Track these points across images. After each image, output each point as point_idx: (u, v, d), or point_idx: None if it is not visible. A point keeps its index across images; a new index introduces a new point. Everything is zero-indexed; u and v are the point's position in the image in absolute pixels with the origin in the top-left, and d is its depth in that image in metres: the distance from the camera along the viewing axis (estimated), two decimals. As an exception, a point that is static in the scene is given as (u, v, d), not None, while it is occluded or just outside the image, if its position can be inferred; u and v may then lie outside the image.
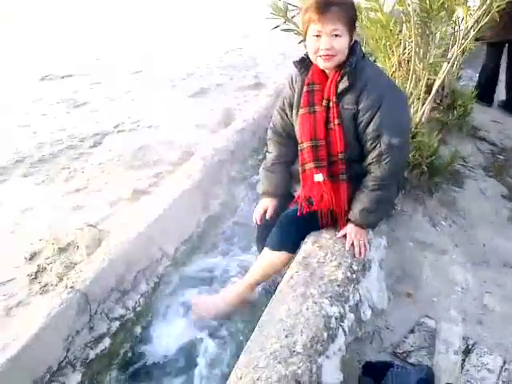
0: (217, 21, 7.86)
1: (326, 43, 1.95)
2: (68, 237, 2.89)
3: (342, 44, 1.98)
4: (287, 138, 2.37)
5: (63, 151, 3.96)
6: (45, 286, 2.59)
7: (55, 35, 7.30)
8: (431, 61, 2.87)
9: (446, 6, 2.57)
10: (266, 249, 2.24)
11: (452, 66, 2.96)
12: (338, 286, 1.95)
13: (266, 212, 2.40)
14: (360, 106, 2.03)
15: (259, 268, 2.26)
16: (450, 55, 2.91)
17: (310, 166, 2.15)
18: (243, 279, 2.31)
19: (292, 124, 2.31)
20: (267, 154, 2.46)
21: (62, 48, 6.64)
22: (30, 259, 2.77)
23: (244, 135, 3.33)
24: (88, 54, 6.34)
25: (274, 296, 1.92)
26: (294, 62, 2.22)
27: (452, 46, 2.93)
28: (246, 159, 3.28)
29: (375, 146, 2.05)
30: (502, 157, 3.52)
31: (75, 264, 2.66)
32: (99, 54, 6.38)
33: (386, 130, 2.01)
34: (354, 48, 2.05)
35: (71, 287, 2.06)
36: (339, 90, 2.05)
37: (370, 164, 2.08)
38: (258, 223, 2.42)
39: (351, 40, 2.03)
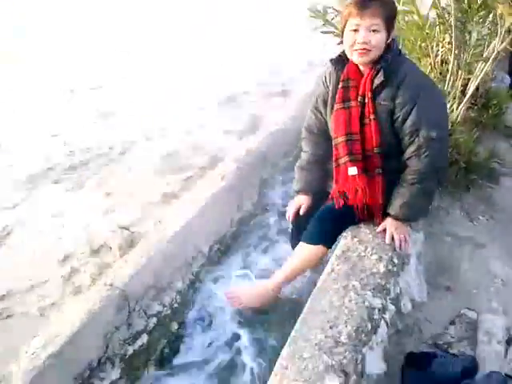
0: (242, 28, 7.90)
1: (363, 37, 1.95)
2: (100, 239, 2.91)
3: (378, 39, 1.97)
4: (321, 137, 2.37)
5: (92, 158, 3.99)
6: (78, 286, 2.60)
7: (79, 49, 7.42)
8: (468, 60, 2.84)
9: (485, 4, 2.54)
10: (301, 243, 2.23)
11: (488, 66, 2.91)
12: (380, 278, 1.92)
13: (299, 209, 2.39)
14: (397, 102, 2.02)
15: (295, 261, 2.24)
16: (486, 54, 2.87)
17: (344, 159, 2.14)
18: (279, 272, 2.28)
19: (326, 122, 2.30)
20: (302, 153, 2.46)
21: (90, 61, 6.75)
22: (63, 261, 2.79)
23: (275, 138, 3.33)
24: (115, 67, 6.42)
25: (315, 288, 1.89)
26: (330, 60, 2.22)
27: (488, 46, 2.89)
28: (277, 162, 3.26)
29: (413, 140, 2.03)
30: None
31: (108, 265, 2.69)
32: (126, 66, 6.47)
33: (424, 123, 2.00)
34: (390, 45, 2.04)
35: (110, 285, 2.06)
36: (374, 85, 2.05)
37: (409, 158, 2.06)
38: (292, 220, 2.41)
39: (388, 37, 2.02)
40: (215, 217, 2.64)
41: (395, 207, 2.10)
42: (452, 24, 2.91)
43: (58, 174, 3.78)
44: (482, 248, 2.47)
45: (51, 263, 2.77)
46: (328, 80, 2.25)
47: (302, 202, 2.40)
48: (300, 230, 2.37)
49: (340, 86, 2.16)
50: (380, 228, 2.15)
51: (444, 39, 3.19)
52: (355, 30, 1.97)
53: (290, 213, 2.42)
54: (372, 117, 2.05)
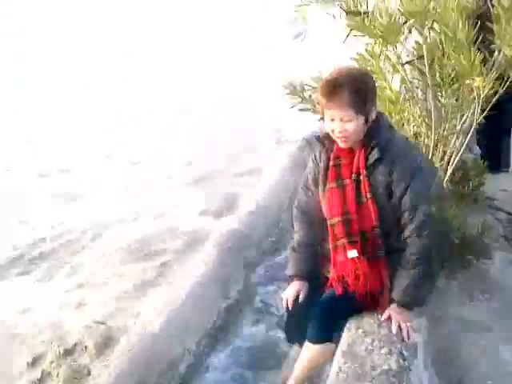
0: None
1: (338, 127, 1.90)
2: (74, 336, 2.65)
3: (354, 127, 1.90)
4: (314, 217, 2.24)
5: (63, 245, 3.76)
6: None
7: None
8: (445, 133, 2.83)
9: (458, 78, 2.55)
10: (308, 343, 2.04)
11: (465, 138, 2.91)
12: (393, 376, 1.74)
13: (297, 297, 2.22)
14: (394, 176, 1.93)
15: (306, 364, 2.06)
16: (459, 127, 2.87)
17: (342, 242, 2.01)
18: (292, 377, 2.08)
19: (317, 201, 2.19)
20: (294, 233, 2.31)
21: (56, 143, 6.59)
22: (32, 364, 2.51)
23: (257, 217, 3.20)
24: (83, 150, 6.29)
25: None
26: (317, 138, 2.14)
27: (460, 118, 2.90)
28: (260, 243, 3.12)
29: (413, 218, 1.92)
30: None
31: (83, 367, 2.43)
32: (93, 148, 6.35)
33: (423, 199, 1.92)
34: (378, 119, 1.99)
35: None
36: (369, 162, 1.96)
37: (408, 237, 1.94)
38: (290, 308, 2.22)
39: (367, 118, 1.95)
40: (201, 308, 2.44)
41: (398, 292, 1.96)
42: (420, 98, 2.94)
43: (26, 263, 3.53)
44: (488, 332, 2.34)
45: (18, 367, 2.50)
46: (318, 158, 2.16)
47: (298, 288, 2.23)
48: (296, 318, 2.19)
49: (331, 163, 2.06)
50: (384, 316, 1.99)
51: (416, 112, 3.20)
52: (331, 120, 1.91)
53: (287, 300, 2.24)
54: (369, 195, 1.95)
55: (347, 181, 2.01)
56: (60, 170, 5.47)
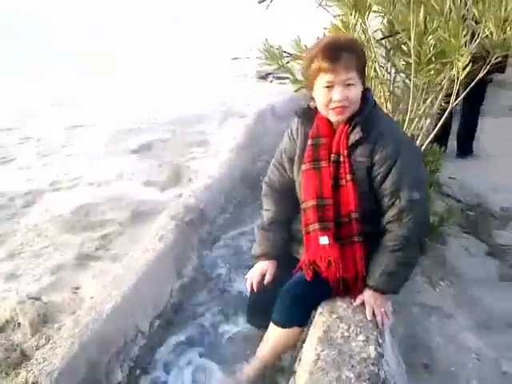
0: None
1: (339, 94, 1.74)
2: (6, 312, 2.36)
3: (356, 94, 1.78)
4: (285, 194, 2.10)
5: (-10, 212, 3.38)
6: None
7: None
8: (411, 116, 2.76)
9: (438, 56, 2.46)
10: (274, 326, 1.91)
11: (435, 121, 2.86)
12: (372, 364, 1.64)
13: (263, 277, 2.07)
14: (375, 159, 1.81)
15: (271, 348, 1.93)
16: (432, 109, 2.81)
17: (313, 227, 1.89)
18: (255, 361, 1.95)
19: (290, 179, 2.04)
20: (263, 211, 2.15)
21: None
22: (-44, 343, 2.20)
23: (211, 192, 3.01)
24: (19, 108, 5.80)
25: (302, 380, 1.57)
26: (296, 113, 1.99)
27: (434, 99, 2.83)
28: (214, 218, 2.93)
29: (394, 202, 1.81)
30: (471, 213, 3.48)
31: (17, 346, 2.16)
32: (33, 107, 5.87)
33: (405, 184, 1.80)
34: (366, 96, 1.85)
35: (34, 383, 1.57)
36: (350, 142, 1.83)
37: (389, 222, 1.83)
38: (255, 290, 2.07)
39: (363, 88, 1.83)
40: (154, 285, 2.23)
41: (375, 278, 1.86)
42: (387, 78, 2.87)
43: None
44: (450, 318, 2.33)
45: None
46: (295, 134, 2.00)
47: (265, 269, 2.08)
48: (260, 302, 2.05)
49: (309, 143, 1.91)
50: (358, 301, 1.89)
51: (381, 92, 3.13)
52: (328, 87, 1.75)
53: (252, 282, 2.08)
54: (349, 177, 1.82)
55: (324, 163, 1.87)
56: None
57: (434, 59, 2.49)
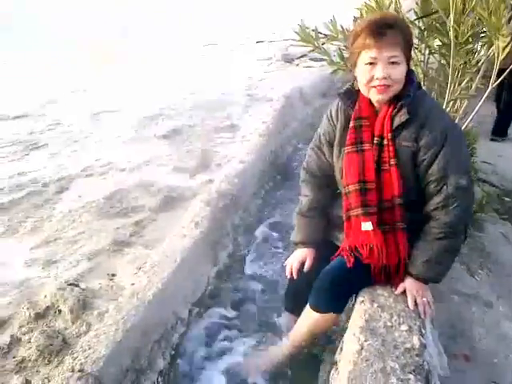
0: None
1: (382, 71, 1.70)
2: (46, 299, 2.39)
3: (400, 73, 1.73)
4: (324, 180, 2.07)
5: (24, 198, 3.42)
6: (22, 362, 2.07)
7: None
8: (453, 97, 2.70)
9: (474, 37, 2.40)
10: (310, 310, 1.90)
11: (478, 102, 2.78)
12: (417, 355, 1.62)
13: (303, 264, 2.06)
14: (421, 143, 1.76)
15: (305, 330, 1.94)
16: (471, 91, 2.74)
17: (356, 212, 1.85)
18: (288, 342, 1.97)
19: (329, 164, 2.01)
20: (302, 197, 2.13)
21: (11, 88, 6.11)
22: (-1, 328, 2.24)
23: (244, 177, 3.00)
24: (41, 94, 5.84)
25: (347, 371, 1.56)
26: (338, 94, 1.95)
27: (471, 80, 2.76)
28: (247, 205, 2.93)
29: (440, 189, 1.77)
30: (507, 199, 3.41)
31: (58, 333, 2.19)
32: (54, 93, 5.90)
33: (452, 169, 1.75)
34: (410, 77, 1.80)
35: (80, 371, 1.59)
36: (395, 124, 1.78)
37: (434, 209, 1.79)
38: (295, 277, 2.06)
39: (408, 68, 1.78)
40: (192, 272, 2.24)
41: (417, 265, 1.83)
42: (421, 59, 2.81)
43: (-18, 216, 3.19)
44: (490, 307, 2.29)
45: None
46: (335, 117, 1.97)
47: (305, 255, 2.07)
48: (299, 289, 2.05)
49: (351, 125, 1.87)
50: (399, 290, 1.87)
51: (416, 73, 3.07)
52: (371, 64, 1.71)
53: (292, 269, 2.08)
54: (393, 162, 1.79)
55: (367, 145, 1.83)
56: (17, 115, 5.02)
57: (471, 39, 2.42)
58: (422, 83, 2.94)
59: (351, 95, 1.90)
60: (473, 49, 2.58)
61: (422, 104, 1.80)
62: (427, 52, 2.96)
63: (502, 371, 2.00)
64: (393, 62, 1.70)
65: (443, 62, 2.74)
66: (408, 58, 1.77)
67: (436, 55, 2.93)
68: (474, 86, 2.74)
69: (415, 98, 1.78)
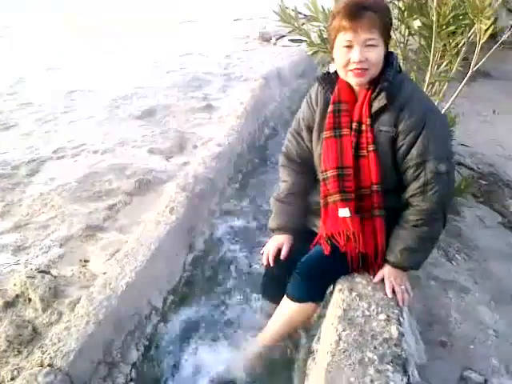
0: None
1: (358, 55, 1.64)
2: (16, 287, 2.31)
3: (377, 56, 1.67)
4: (303, 165, 2.02)
5: (-7, 180, 3.31)
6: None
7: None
8: (431, 80, 2.66)
9: (457, 19, 2.35)
10: (288, 301, 1.87)
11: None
12: (395, 345, 1.60)
13: (279, 251, 2.01)
14: (400, 128, 1.71)
15: (284, 321, 1.90)
16: (451, 74, 2.70)
17: (334, 198, 1.81)
18: (265, 334, 1.94)
19: (309, 149, 1.97)
20: (281, 183, 2.08)
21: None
22: (-34, 319, 2.16)
23: (221, 161, 2.93)
24: (9, 72, 5.65)
25: (324, 362, 1.53)
26: (317, 78, 1.89)
27: (451, 63, 2.73)
28: (223, 189, 2.87)
29: (419, 174, 1.72)
30: (484, 182, 3.40)
31: (28, 322, 2.12)
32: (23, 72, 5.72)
33: (431, 154, 1.70)
34: (389, 60, 1.75)
35: (49, 365, 1.53)
36: (374, 109, 1.73)
37: (412, 195, 1.75)
38: (272, 264, 2.02)
39: (386, 51, 1.73)
40: (167, 260, 2.18)
41: (395, 253, 1.80)
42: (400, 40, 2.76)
43: (-51, 200, 3.07)
44: (467, 293, 2.28)
45: None
46: (314, 101, 1.91)
47: (281, 242, 2.02)
48: (275, 276, 2.01)
49: (330, 109, 1.82)
50: (377, 278, 1.84)
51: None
52: (348, 47, 1.65)
53: (268, 256, 2.03)
54: (371, 147, 1.74)
55: (345, 130, 1.78)
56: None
57: (452, 21, 2.37)
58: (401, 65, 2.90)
59: (331, 79, 1.84)
60: (454, 31, 2.52)
61: (402, 88, 1.74)
62: (407, 33, 2.90)
63: (479, 357, 1.99)
64: (370, 45, 1.64)
65: (423, 43, 2.69)
66: (386, 41, 1.72)
67: (416, 36, 2.88)
68: (453, 69, 2.70)
69: (394, 82, 1.72)
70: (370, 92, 1.74)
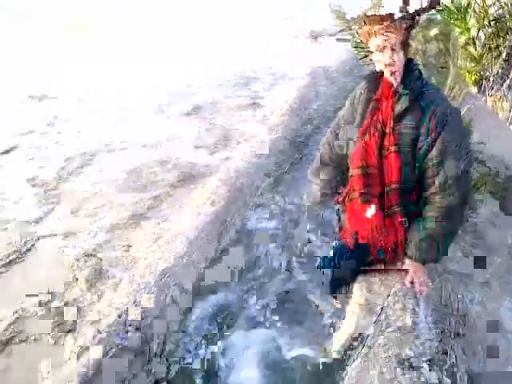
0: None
1: (388, 57, 1.75)
2: (64, 267, 2.53)
3: (399, 59, 1.77)
4: (337, 169, 2.19)
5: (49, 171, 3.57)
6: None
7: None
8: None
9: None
10: None
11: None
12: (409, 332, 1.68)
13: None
14: (421, 130, 1.79)
15: None
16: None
17: (358, 195, 1.91)
18: None
19: (342, 155, 2.08)
20: (313, 185, 2.25)
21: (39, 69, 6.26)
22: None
23: (262, 157, 3.05)
24: (67, 75, 5.97)
25: (358, 356, 1.63)
26: (363, 77, 2.00)
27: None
28: (259, 184, 2.99)
29: (438, 173, 1.80)
30: (499, 180, 3.34)
31: (74, 300, 2.32)
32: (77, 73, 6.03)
33: (450, 154, 1.78)
34: (409, 65, 1.83)
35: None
36: (396, 111, 1.82)
37: (432, 193, 1.83)
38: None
39: (406, 56, 1.81)
40: (202, 249, 2.32)
41: (415, 248, 1.87)
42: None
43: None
44: (485, 287, 2.31)
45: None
46: (357, 100, 1.99)
47: None
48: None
49: (369, 107, 1.91)
50: (397, 270, 1.92)
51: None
52: (379, 50, 1.77)
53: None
54: (393, 149, 1.82)
55: (373, 130, 1.87)
56: (44, 94, 5.18)
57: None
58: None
59: (374, 78, 1.93)
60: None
61: (424, 92, 1.82)
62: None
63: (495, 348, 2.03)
64: (392, 49, 1.75)
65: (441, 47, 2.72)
66: (405, 47, 1.80)
67: (434, 42, 2.92)
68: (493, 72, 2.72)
69: (416, 86, 1.80)
70: (393, 95, 1.82)
